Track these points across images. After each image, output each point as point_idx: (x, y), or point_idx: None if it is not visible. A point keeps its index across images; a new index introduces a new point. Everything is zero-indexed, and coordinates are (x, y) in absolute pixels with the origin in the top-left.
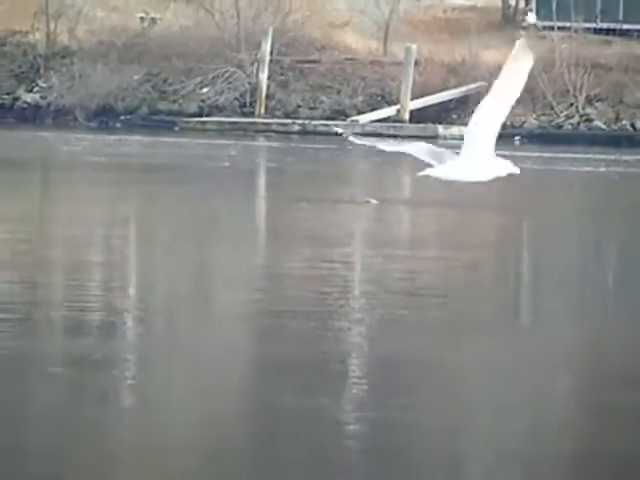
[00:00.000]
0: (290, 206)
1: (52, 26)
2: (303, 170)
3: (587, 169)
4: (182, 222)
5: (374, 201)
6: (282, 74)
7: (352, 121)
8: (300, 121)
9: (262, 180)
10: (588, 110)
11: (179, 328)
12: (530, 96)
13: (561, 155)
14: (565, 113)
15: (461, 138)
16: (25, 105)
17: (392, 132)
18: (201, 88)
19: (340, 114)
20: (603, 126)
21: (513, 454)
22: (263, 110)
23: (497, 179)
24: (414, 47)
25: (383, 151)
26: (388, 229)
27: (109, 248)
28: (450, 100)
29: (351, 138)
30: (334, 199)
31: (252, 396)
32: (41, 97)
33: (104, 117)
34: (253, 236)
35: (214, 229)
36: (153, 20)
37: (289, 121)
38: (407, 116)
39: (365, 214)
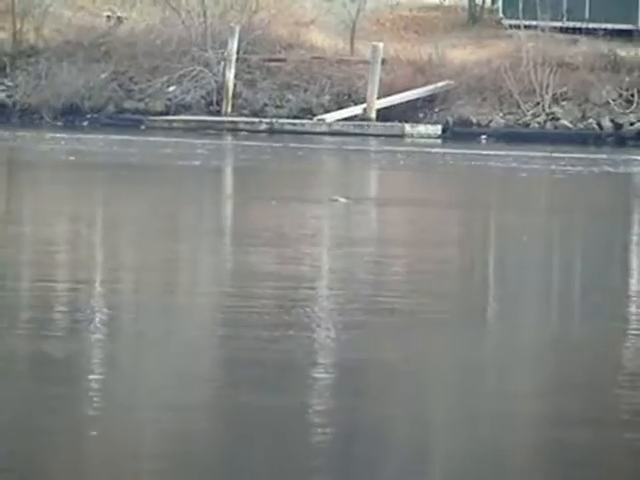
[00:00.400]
0: (258, 205)
1: (18, 25)
2: (271, 168)
3: (552, 167)
4: (148, 221)
5: (343, 199)
6: (249, 72)
7: (319, 120)
8: (267, 120)
9: (230, 179)
10: (554, 109)
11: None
12: (497, 95)
13: (524, 153)
14: (531, 112)
15: (428, 137)
16: None
17: (359, 131)
18: (168, 87)
19: (307, 113)
20: (569, 125)
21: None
22: (230, 109)
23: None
24: (381, 45)
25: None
26: (358, 227)
27: (73, 246)
28: (417, 99)
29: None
30: (303, 197)
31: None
32: (7, 96)
33: (70, 116)
34: (217, 235)
35: (181, 228)
36: (119, 19)
37: (256, 120)
38: (374, 115)
39: (333, 212)
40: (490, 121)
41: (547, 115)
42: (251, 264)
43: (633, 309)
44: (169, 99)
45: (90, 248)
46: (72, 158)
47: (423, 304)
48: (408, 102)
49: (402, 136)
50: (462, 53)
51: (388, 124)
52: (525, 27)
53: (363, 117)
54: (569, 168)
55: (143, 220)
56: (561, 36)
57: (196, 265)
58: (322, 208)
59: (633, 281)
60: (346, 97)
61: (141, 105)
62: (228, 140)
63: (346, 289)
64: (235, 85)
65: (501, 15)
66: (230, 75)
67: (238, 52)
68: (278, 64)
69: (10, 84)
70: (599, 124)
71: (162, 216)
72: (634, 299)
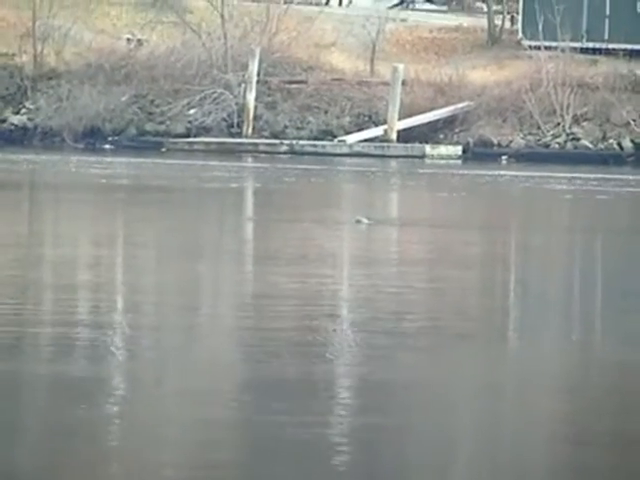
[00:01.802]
0: (283, 226)
1: (39, 48)
2: (293, 190)
3: (571, 188)
4: (172, 243)
5: (366, 221)
6: (269, 95)
7: (339, 141)
8: (288, 141)
9: (252, 201)
10: (575, 129)
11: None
12: (517, 115)
13: (546, 174)
14: (552, 132)
15: (448, 157)
16: (12, 127)
17: (380, 152)
18: (188, 109)
19: (327, 134)
20: (590, 145)
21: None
22: (250, 131)
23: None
24: (401, 67)
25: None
26: (382, 248)
27: (98, 269)
28: (437, 120)
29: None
30: (327, 219)
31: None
32: (28, 119)
33: (91, 139)
34: (241, 257)
35: (205, 251)
36: (140, 42)
37: (277, 141)
38: (394, 136)
39: (358, 233)
40: (511, 142)
41: (567, 135)
42: (278, 283)
43: None
44: (190, 121)
45: (118, 268)
46: (104, 181)
47: (446, 323)
48: (429, 123)
49: (423, 157)
50: (482, 74)
51: (409, 145)
52: (545, 48)
53: (384, 138)
54: (590, 188)
55: (172, 242)
56: (581, 57)
57: (233, 286)
58: (347, 229)
59: None
60: (367, 118)
61: (162, 127)
62: (249, 162)
63: (372, 307)
64: (256, 107)
65: (521, 36)
66: (251, 97)
67: (258, 74)
68: (298, 86)
69: (31, 107)
70: (620, 144)
71: (188, 238)
72: None
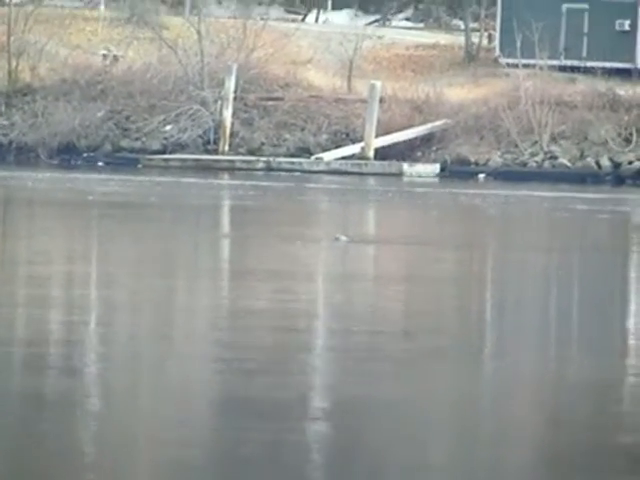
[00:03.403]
0: (260, 243)
1: (14, 63)
2: (270, 207)
3: (548, 206)
4: (146, 260)
5: (344, 238)
6: (246, 111)
7: (316, 158)
8: (264, 158)
9: (229, 218)
10: (553, 147)
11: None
12: (495, 134)
13: (523, 192)
14: (530, 150)
15: (426, 176)
16: None
17: (357, 170)
18: (164, 125)
19: (304, 152)
20: (568, 163)
21: None
22: (227, 147)
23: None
24: (378, 84)
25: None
26: (361, 265)
27: (70, 285)
28: (415, 138)
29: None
30: (305, 237)
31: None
32: (3, 135)
33: (67, 155)
34: (217, 274)
35: (180, 268)
36: (115, 57)
37: (253, 158)
38: (372, 154)
39: (337, 251)
40: (488, 160)
41: (545, 154)
42: (255, 301)
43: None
44: (166, 138)
45: (91, 285)
46: (65, 196)
47: (419, 338)
48: (406, 141)
49: (400, 175)
50: (459, 92)
51: (386, 163)
52: (523, 66)
53: (361, 156)
54: (567, 207)
55: (146, 259)
56: (559, 75)
57: (207, 302)
58: (326, 247)
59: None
60: (344, 136)
61: (138, 144)
62: (225, 179)
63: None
64: (232, 124)
65: (498, 53)
66: (227, 114)
67: (235, 91)
68: (275, 103)
69: (5, 123)
70: (597, 163)
71: (163, 255)
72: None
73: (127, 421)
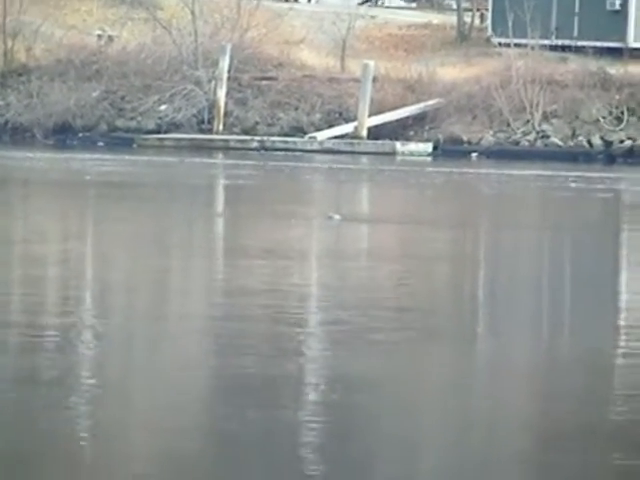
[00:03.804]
0: (253, 222)
1: (9, 44)
2: (264, 186)
3: (540, 185)
4: (143, 238)
5: (337, 217)
6: (240, 91)
7: (310, 138)
8: (258, 138)
9: (224, 197)
10: (544, 126)
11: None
12: (487, 113)
13: (515, 171)
14: (522, 129)
15: (418, 155)
16: None
17: (350, 149)
18: (159, 105)
19: (298, 131)
20: (560, 142)
21: None
22: (221, 127)
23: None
24: (372, 64)
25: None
26: (353, 244)
27: (66, 264)
28: (407, 117)
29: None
30: (298, 215)
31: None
32: None
33: (62, 135)
34: (211, 252)
35: (174, 246)
36: (110, 38)
37: (247, 138)
38: (365, 133)
39: (329, 229)
40: (480, 139)
41: (537, 133)
42: (248, 279)
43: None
44: (160, 118)
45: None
46: (62, 177)
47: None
48: (399, 120)
49: (393, 154)
50: (452, 71)
51: (379, 142)
52: (515, 45)
53: (354, 135)
54: (560, 185)
55: (141, 237)
56: (551, 54)
57: (202, 280)
58: (319, 225)
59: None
60: (337, 115)
61: (133, 124)
62: (220, 158)
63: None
64: (226, 103)
65: (490, 33)
66: (221, 94)
67: (229, 71)
68: (269, 82)
69: (1, 103)
70: (589, 142)
71: (156, 233)
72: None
73: (120, 401)
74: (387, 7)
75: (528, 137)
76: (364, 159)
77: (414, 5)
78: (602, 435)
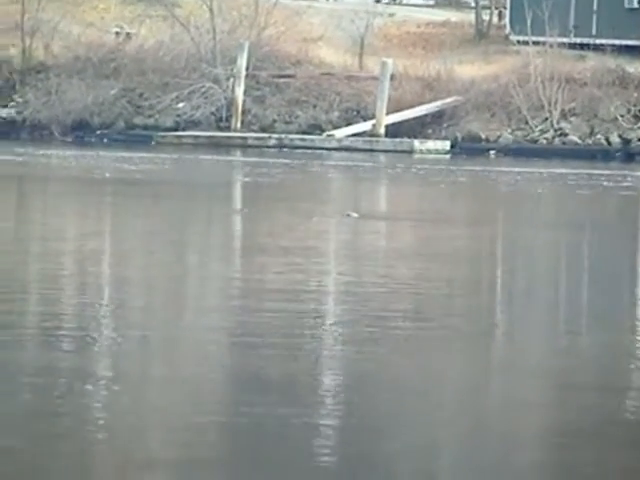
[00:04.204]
0: (272, 219)
1: (28, 42)
2: (282, 184)
3: (559, 183)
4: (164, 236)
5: (355, 215)
6: (258, 89)
7: (328, 135)
8: (276, 135)
9: (240, 194)
10: (563, 124)
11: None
12: (505, 110)
13: (534, 169)
14: (540, 127)
15: (436, 152)
16: (1, 121)
17: (368, 147)
18: (177, 103)
19: (316, 129)
20: (578, 140)
21: None
22: (239, 125)
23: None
24: (390, 62)
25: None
26: (371, 242)
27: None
28: (425, 115)
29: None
30: (317, 212)
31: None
32: (17, 112)
33: (80, 132)
34: (229, 250)
35: (193, 244)
36: (128, 35)
37: (265, 135)
38: (383, 131)
39: (348, 227)
40: (499, 137)
41: (555, 131)
42: (265, 276)
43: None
44: (178, 115)
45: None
46: (82, 174)
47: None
48: (417, 118)
49: (411, 152)
50: (470, 69)
51: (397, 140)
52: (533, 43)
53: (372, 133)
54: (577, 183)
55: (160, 234)
56: (569, 52)
57: (221, 278)
58: (337, 223)
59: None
60: (355, 113)
61: (151, 121)
62: (238, 156)
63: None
64: (244, 101)
65: (509, 31)
66: (239, 91)
67: (247, 68)
68: (287, 80)
69: (20, 100)
70: (607, 140)
71: (176, 230)
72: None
73: (136, 396)
74: (405, 5)
75: (546, 135)
76: (382, 157)
77: (432, 3)
78: (617, 427)
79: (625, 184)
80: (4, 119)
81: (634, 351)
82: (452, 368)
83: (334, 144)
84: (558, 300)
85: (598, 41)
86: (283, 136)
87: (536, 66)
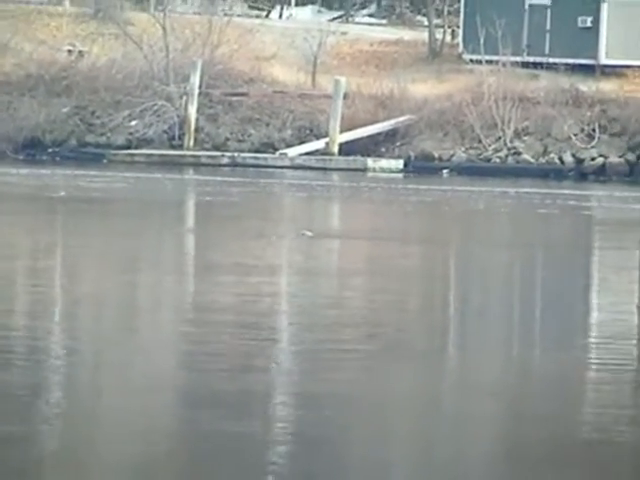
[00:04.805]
0: (225, 238)
1: None
2: (235, 203)
3: (510, 202)
4: (110, 255)
5: (309, 233)
6: (211, 107)
7: (281, 154)
8: (229, 154)
9: (193, 213)
10: (516, 143)
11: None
12: (458, 129)
13: (487, 188)
14: (493, 146)
15: (390, 171)
16: None
17: (321, 165)
18: (130, 121)
19: (269, 147)
20: (531, 159)
21: None
22: (192, 143)
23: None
24: (343, 80)
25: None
26: (326, 260)
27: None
28: (379, 133)
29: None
30: (270, 232)
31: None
32: None
33: (32, 150)
34: (181, 268)
35: (144, 262)
36: (81, 53)
37: (218, 154)
38: (336, 149)
39: (303, 246)
40: (452, 155)
41: (509, 150)
42: (218, 296)
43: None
44: (131, 133)
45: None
46: (28, 191)
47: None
48: (370, 136)
49: (364, 170)
50: (423, 87)
51: (350, 158)
52: (486, 62)
53: (325, 151)
54: (529, 202)
55: (111, 253)
56: (522, 71)
57: (172, 297)
58: (291, 242)
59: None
60: (308, 131)
61: (103, 139)
62: (190, 174)
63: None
64: (197, 119)
65: (462, 49)
66: (192, 109)
67: (200, 86)
68: (240, 98)
69: None
70: (561, 159)
71: (126, 249)
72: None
73: (91, 414)
74: (358, 23)
75: (499, 154)
76: (335, 175)
77: (385, 22)
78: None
79: (578, 203)
80: None
81: (579, 365)
82: (404, 383)
83: (287, 162)
84: (509, 318)
85: (551, 60)
86: (236, 154)
87: (489, 85)
